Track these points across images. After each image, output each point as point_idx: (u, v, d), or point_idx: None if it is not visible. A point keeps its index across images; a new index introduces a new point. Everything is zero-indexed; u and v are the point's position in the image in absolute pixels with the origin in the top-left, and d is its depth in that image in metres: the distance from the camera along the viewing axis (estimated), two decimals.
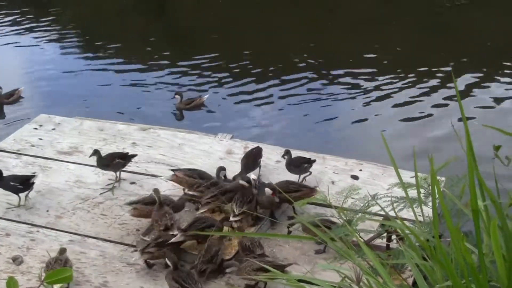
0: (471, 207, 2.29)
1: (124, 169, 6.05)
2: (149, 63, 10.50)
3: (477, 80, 9.58)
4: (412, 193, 3.19)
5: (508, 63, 10.18)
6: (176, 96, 8.86)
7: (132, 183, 6.02)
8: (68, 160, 6.44)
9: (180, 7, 13.89)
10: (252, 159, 6.00)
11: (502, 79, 9.70)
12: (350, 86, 9.53)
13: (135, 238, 5.22)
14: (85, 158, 6.43)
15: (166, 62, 10.58)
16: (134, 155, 6.12)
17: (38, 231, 5.34)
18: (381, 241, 4.70)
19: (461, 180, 3.68)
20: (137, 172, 6.22)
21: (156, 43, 11.52)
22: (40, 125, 7.13)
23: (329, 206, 4.09)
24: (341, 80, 9.72)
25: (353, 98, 9.18)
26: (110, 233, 5.30)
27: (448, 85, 9.31)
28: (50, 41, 11.77)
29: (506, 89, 9.41)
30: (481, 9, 12.66)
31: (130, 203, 5.34)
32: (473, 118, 8.17)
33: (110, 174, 6.06)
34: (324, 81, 9.64)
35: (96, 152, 5.90)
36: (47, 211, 5.61)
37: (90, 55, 11.02)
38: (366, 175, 6.17)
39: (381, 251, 4.14)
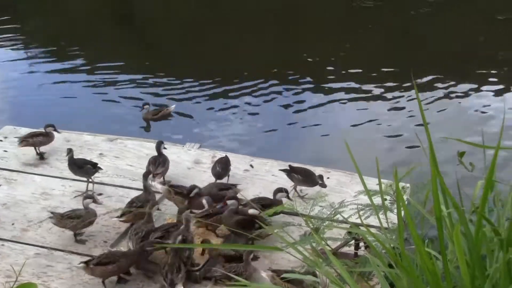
0: (434, 214, 2.32)
1: (91, 179, 6.03)
2: (115, 74, 10.43)
3: (441, 87, 9.72)
4: (379, 200, 3.21)
5: (473, 69, 10.38)
6: (145, 106, 8.82)
7: (100, 194, 5.96)
8: (34, 172, 6.36)
9: (149, 18, 13.85)
10: (223, 167, 6.06)
11: (467, 86, 9.84)
12: (317, 95, 9.60)
13: (103, 250, 5.17)
14: (51, 170, 6.36)
15: (132, 72, 10.53)
16: (100, 168, 6.09)
17: (3, 244, 5.25)
18: (349, 249, 4.72)
19: (425, 187, 3.72)
20: (104, 183, 6.17)
21: (123, 54, 11.46)
22: (5, 137, 7.03)
23: (296, 214, 4.11)
24: (308, 89, 9.77)
25: (321, 106, 9.24)
26: (77, 246, 5.23)
27: (414, 94, 9.42)
28: (14, 50, 11.65)
29: (472, 96, 9.55)
30: (454, 13, 12.88)
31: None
32: (437, 125, 8.22)
33: (77, 186, 6.01)
34: (292, 91, 9.67)
35: (70, 151, 5.97)
36: (13, 224, 5.52)
37: (56, 65, 10.89)
38: (333, 182, 6.20)
39: (349, 259, 4.16)
